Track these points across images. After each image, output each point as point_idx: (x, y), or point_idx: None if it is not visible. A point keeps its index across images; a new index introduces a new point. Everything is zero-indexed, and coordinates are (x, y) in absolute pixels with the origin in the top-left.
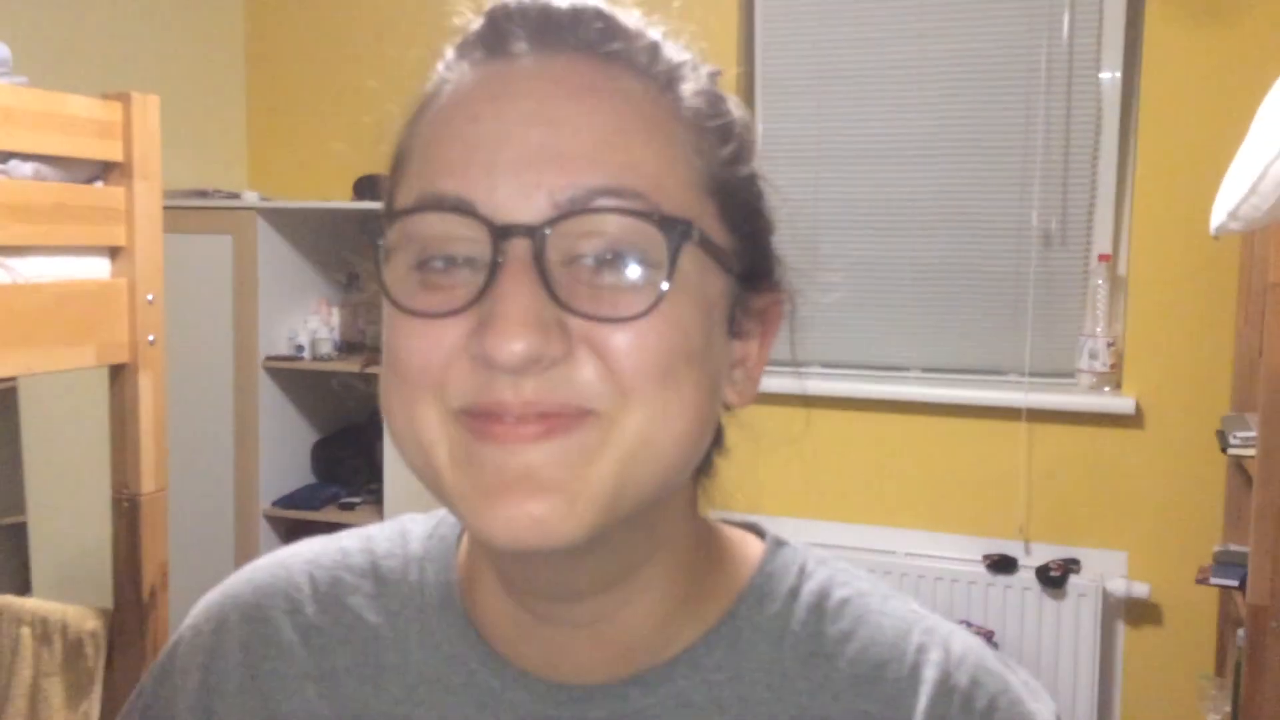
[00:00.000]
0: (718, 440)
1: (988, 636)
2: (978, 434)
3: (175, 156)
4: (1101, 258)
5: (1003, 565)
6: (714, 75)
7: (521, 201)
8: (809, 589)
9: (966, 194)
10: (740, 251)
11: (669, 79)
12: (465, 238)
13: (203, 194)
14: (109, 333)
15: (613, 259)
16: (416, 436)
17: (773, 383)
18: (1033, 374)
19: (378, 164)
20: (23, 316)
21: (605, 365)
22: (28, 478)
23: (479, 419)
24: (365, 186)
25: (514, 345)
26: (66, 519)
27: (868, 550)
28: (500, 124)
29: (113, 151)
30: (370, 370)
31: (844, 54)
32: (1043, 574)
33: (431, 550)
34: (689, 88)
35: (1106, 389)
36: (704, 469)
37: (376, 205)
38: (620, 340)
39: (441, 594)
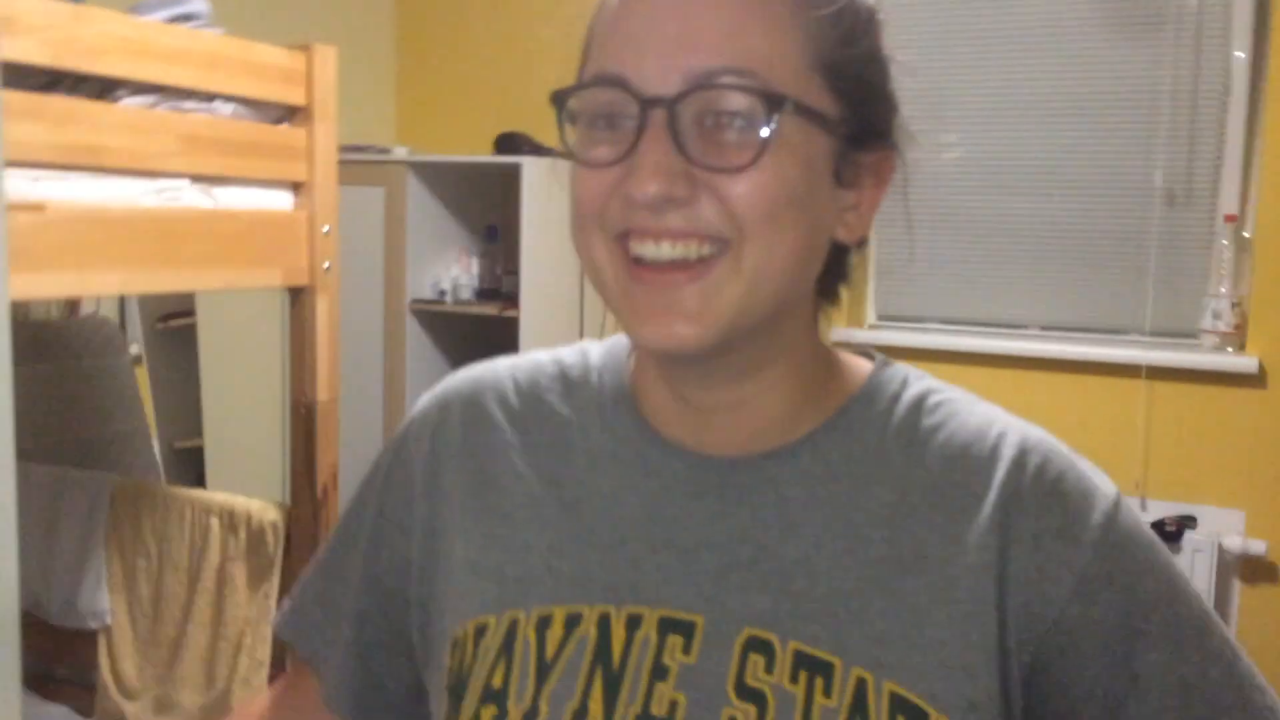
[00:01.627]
0: (842, 272)
1: None
2: (1096, 391)
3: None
4: (1227, 218)
5: None
6: None
7: (661, 78)
8: (909, 394)
9: (1089, 152)
10: (847, 116)
11: None
12: (621, 106)
13: (358, 149)
14: (291, 258)
15: (728, 122)
16: (591, 258)
17: (892, 336)
18: (1154, 333)
19: (517, 122)
20: (222, 239)
21: (722, 206)
22: (205, 405)
23: (637, 265)
24: (505, 142)
25: (649, 188)
26: (235, 443)
27: None
28: (648, 20)
29: (297, 96)
30: (506, 314)
31: (966, 12)
32: (1158, 529)
33: (607, 362)
34: None
35: (1229, 349)
36: (828, 295)
37: (517, 159)
38: (731, 186)
39: (615, 393)
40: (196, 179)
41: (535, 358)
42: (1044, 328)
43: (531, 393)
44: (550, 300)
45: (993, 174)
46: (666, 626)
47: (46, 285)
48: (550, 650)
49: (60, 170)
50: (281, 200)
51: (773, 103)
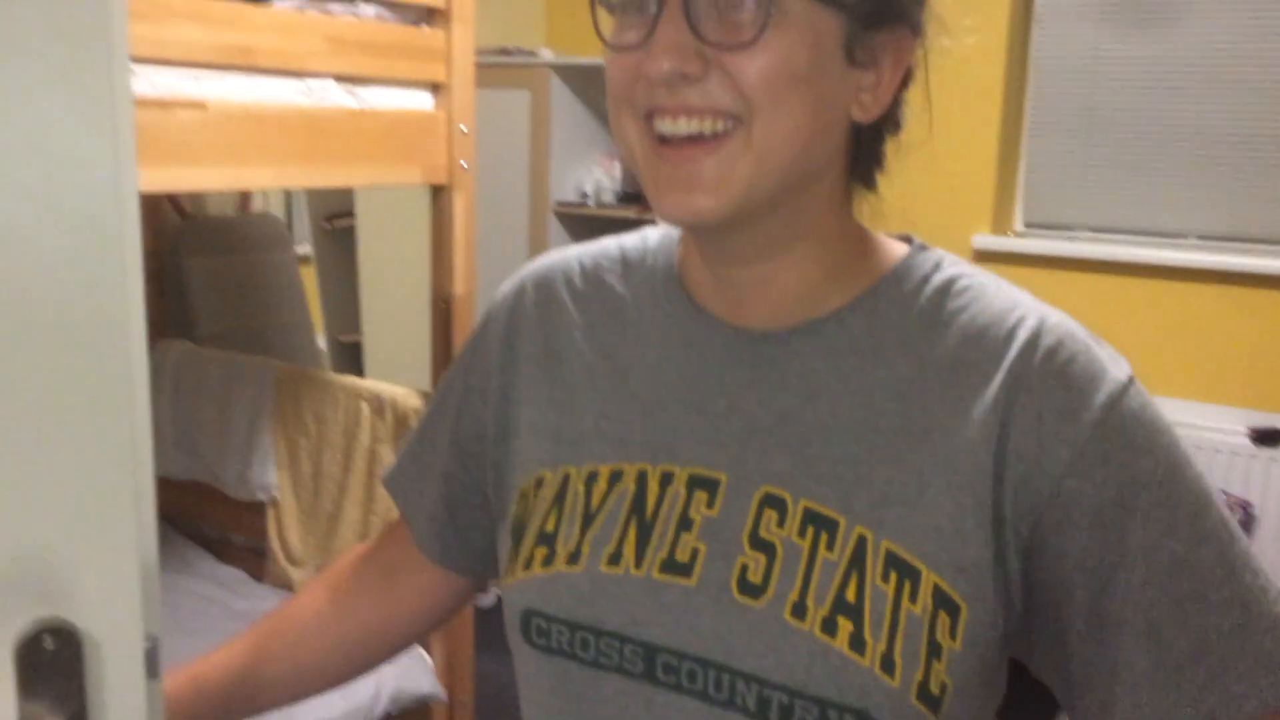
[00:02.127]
0: (875, 157)
1: (1244, 507)
2: (1255, 303)
3: (482, 15)
4: None
5: (1268, 438)
6: None
7: None
8: (939, 278)
9: (1253, 55)
10: None
11: None
12: None
13: (505, 52)
14: (430, 157)
15: (737, 2)
16: (624, 138)
17: (1040, 245)
18: None
19: None
20: (367, 137)
21: (731, 82)
22: (363, 302)
23: (662, 144)
24: None
25: (662, 65)
26: (390, 336)
27: None
28: None
29: None
30: (645, 218)
31: None
32: None
33: (661, 244)
34: None
35: None
36: (863, 180)
37: None
38: (739, 62)
39: (665, 272)
40: (341, 79)
41: (603, 243)
42: (1202, 237)
43: (595, 275)
44: None
45: (1150, 72)
46: (694, 483)
47: (208, 179)
48: (595, 501)
49: (218, 70)
50: (421, 100)
51: None
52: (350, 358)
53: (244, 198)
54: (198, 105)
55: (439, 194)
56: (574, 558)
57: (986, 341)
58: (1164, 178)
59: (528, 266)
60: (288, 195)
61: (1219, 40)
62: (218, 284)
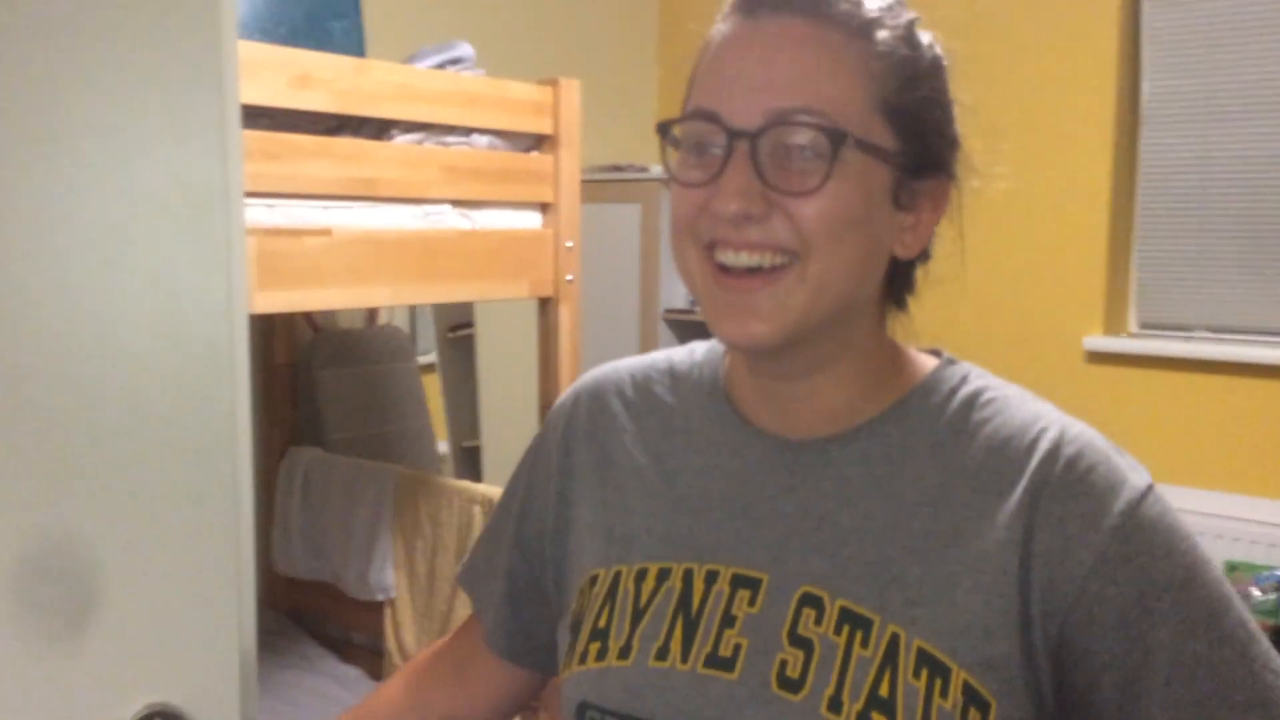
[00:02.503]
0: (907, 284)
1: None
2: None
3: (596, 134)
4: None
5: None
6: (911, 21)
7: (746, 115)
8: (966, 390)
9: None
10: (905, 150)
11: (862, 28)
12: (712, 137)
13: (617, 169)
14: (538, 271)
15: (798, 153)
16: (685, 264)
17: (1156, 345)
18: None
19: None
20: (478, 255)
21: (791, 223)
22: (482, 408)
23: (723, 273)
24: None
25: (730, 206)
26: (507, 441)
27: (1257, 522)
28: (739, 66)
29: (544, 126)
30: None
31: (1237, 5)
32: None
33: (707, 358)
34: (881, 34)
35: None
36: (898, 303)
37: None
38: (799, 207)
39: (711, 384)
40: (456, 203)
41: (653, 357)
42: None
43: (644, 385)
44: None
45: (1264, 171)
46: (738, 582)
47: (332, 298)
48: (644, 599)
49: (343, 200)
50: (530, 219)
51: (835, 138)
52: (471, 462)
53: (371, 312)
54: (324, 232)
55: (546, 306)
56: (624, 652)
57: (1010, 450)
58: None
59: (582, 378)
60: (411, 308)
61: None
62: (346, 393)
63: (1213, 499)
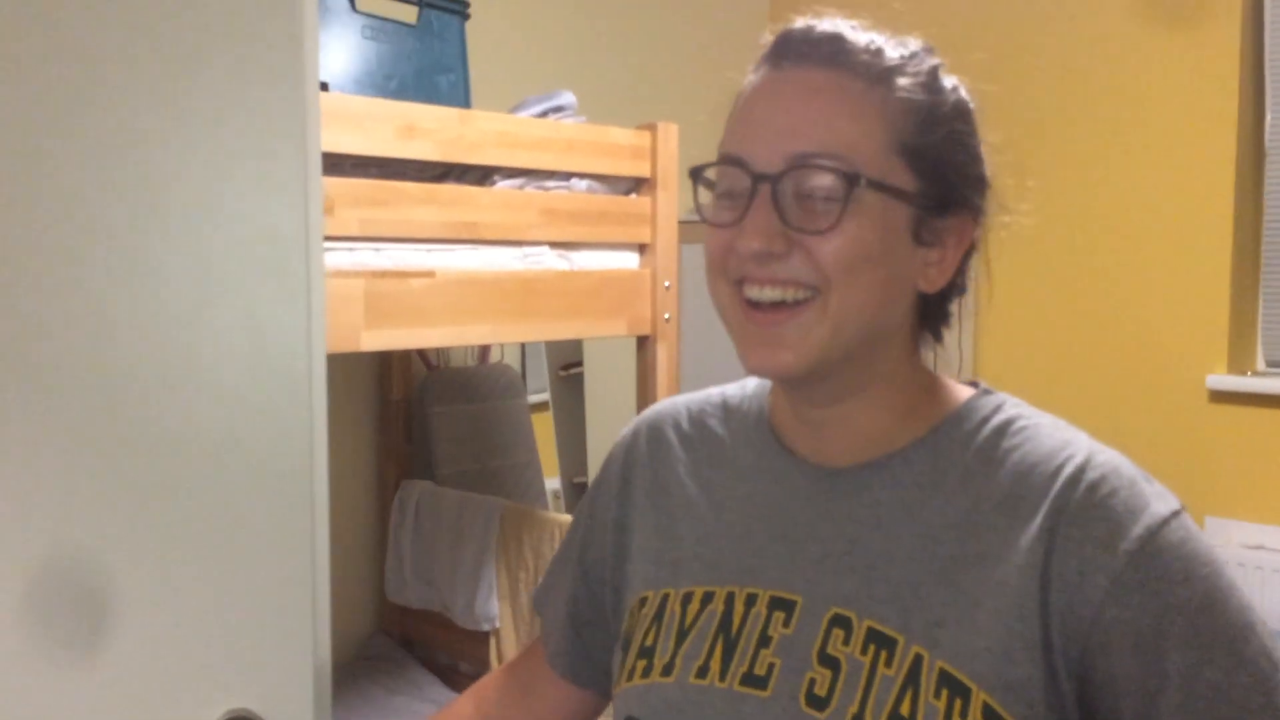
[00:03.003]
0: (942, 317)
1: None
2: None
3: None
4: None
5: None
6: (933, 68)
7: (770, 158)
8: (998, 419)
9: None
10: (925, 189)
11: (881, 75)
12: (739, 180)
13: None
14: (636, 310)
15: (816, 195)
16: (717, 299)
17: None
18: None
19: None
20: (577, 295)
21: (810, 260)
22: (589, 444)
23: (751, 308)
24: None
25: (753, 244)
26: None
27: None
28: (764, 113)
29: (642, 169)
30: None
31: None
32: None
33: (756, 392)
34: (900, 80)
35: None
36: (933, 334)
37: None
38: (818, 245)
39: (758, 416)
40: (555, 245)
41: (708, 391)
42: None
43: (699, 418)
44: None
45: None
46: (774, 604)
47: (434, 337)
48: (689, 620)
49: (447, 244)
50: (628, 260)
51: (850, 180)
52: (581, 497)
53: (483, 351)
54: (428, 274)
55: (644, 344)
56: (668, 669)
57: (1036, 476)
58: None
59: (644, 413)
60: (522, 347)
61: None
62: (458, 429)
63: None
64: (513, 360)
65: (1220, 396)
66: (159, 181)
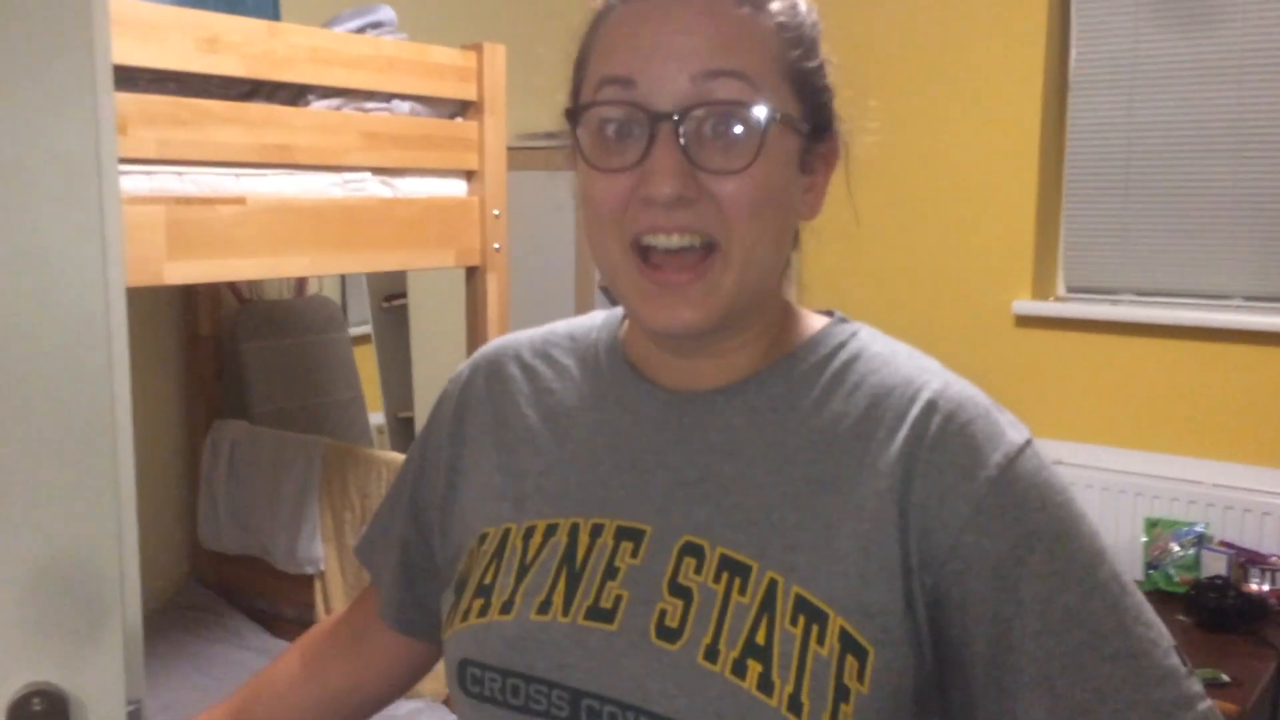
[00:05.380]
0: (795, 243)
1: None
2: None
3: (531, 102)
4: None
5: None
6: None
7: (669, 85)
8: (855, 345)
9: None
10: (807, 116)
11: (760, 2)
12: (631, 118)
13: (551, 135)
14: (464, 240)
15: (725, 131)
16: (608, 255)
17: (1083, 309)
18: None
19: None
20: (401, 224)
21: (716, 206)
22: (415, 379)
23: (651, 266)
24: None
25: (665, 189)
26: None
27: (1177, 480)
28: (654, 36)
29: (468, 92)
30: None
31: None
32: None
33: (606, 321)
34: (775, 6)
35: None
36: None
37: None
38: (724, 186)
39: (609, 344)
40: (378, 171)
41: (552, 325)
42: (1248, 298)
43: (543, 350)
44: None
45: (1192, 139)
46: (621, 534)
47: (247, 269)
48: (530, 554)
49: (258, 168)
50: (455, 188)
51: (768, 117)
52: (406, 433)
53: (300, 282)
54: (237, 201)
55: (473, 275)
56: (507, 607)
57: (892, 400)
58: (1208, 239)
59: (481, 349)
60: (343, 279)
61: (1261, 99)
62: (273, 365)
63: (1136, 458)
64: (333, 292)
65: (1026, 321)
66: None
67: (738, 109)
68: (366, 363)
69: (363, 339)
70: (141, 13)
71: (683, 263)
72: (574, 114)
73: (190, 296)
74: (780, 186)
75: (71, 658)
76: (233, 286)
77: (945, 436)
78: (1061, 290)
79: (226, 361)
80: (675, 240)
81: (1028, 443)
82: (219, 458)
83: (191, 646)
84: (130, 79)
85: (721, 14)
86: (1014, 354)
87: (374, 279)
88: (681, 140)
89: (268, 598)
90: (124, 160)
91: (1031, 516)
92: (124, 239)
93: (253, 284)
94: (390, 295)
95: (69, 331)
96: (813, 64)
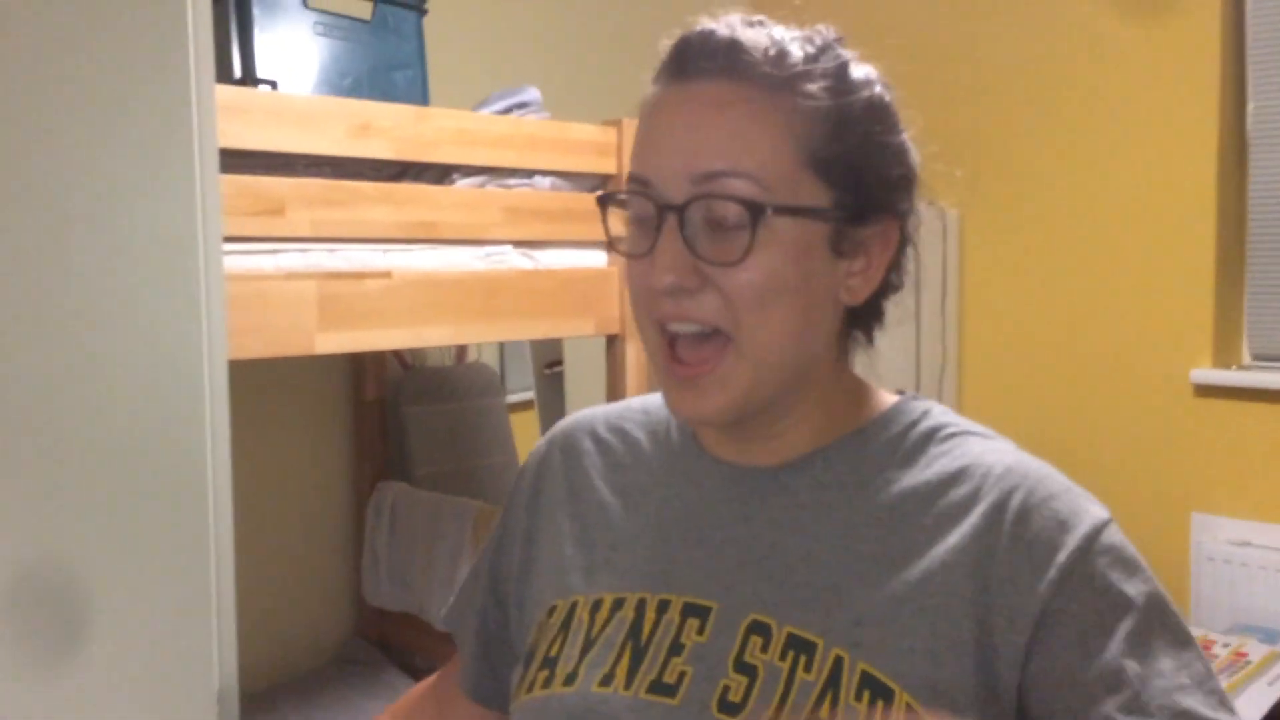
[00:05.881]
0: (877, 317)
1: None
2: None
3: None
4: None
5: None
6: (841, 66)
7: (675, 183)
8: (926, 425)
9: None
10: (842, 201)
11: (785, 83)
12: (646, 209)
13: None
14: (604, 309)
15: (725, 222)
16: (646, 341)
17: (1273, 378)
18: None
19: None
20: (541, 294)
21: (722, 296)
22: None
23: (675, 355)
24: None
25: (664, 280)
26: None
27: None
28: (667, 132)
29: (608, 166)
30: None
31: None
32: None
33: None
34: (807, 87)
35: None
36: (866, 337)
37: None
38: (729, 278)
39: (679, 421)
40: (519, 244)
41: (628, 401)
42: None
43: (618, 424)
44: None
45: None
46: (688, 611)
47: (392, 339)
48: (596, 628)
49: (404, 243)
50: (595, 258)
51: (754, 210)
52: None
53: (460, 350)
54: (384, 275)
55: (613, 343)
56: (570, 679)
57: (966, 476)
58: None
59: (558, 424)
60: (501, 346)
61: None
62: (433, 429)
63: None
64: (491, 359)
65: (1205, 390)
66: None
67: (730, 204)
68: (530, 427)
69: (525, 405)
70: (298, 105)
71: (701, 352)
72: (603, 203)
73: (358, 363)
74: (794, 278)
75: (173, 705)
76: (397, 353)
77: (1028, 511)
78: (1246, 358)
79: (390, 425)
80: (691, 326)
81: (1110, 520)
82: (381, 517)
83: (348, 698)
84: (288, 164)
85: (734, 105)
86: (1193, 426)
87: (536, 346)
88: (684, 231)
89: (424, 654)
90: (280, 239)
91: (1119, 587)
92: (279, 312)
93: (415, 351)
94: (551, 362)
95: (171, 401)
96: (848, 145)
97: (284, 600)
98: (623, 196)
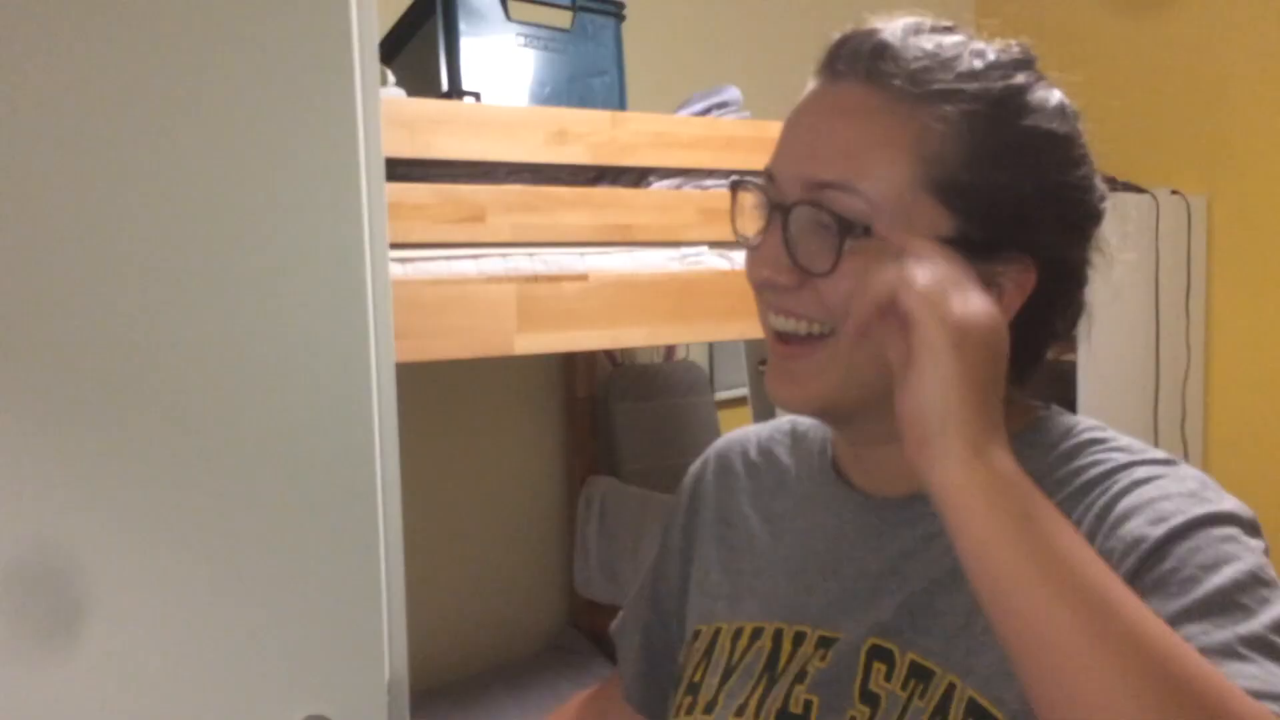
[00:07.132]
0: (1034, 359)
1: None
2: None
3: None
4: None
5: None
6: (1016, 88)
7: (790, 184)
8: (1069, 443)
9: None
10: (967, 231)
11: (926, 98)
12: (765, 202)
13: None
14: None
15: (824, 231)
16: (763, 329)
17: None
18: None
19: None
20: (737, 295)
21: (819, 297)
22: None
23: (777, 336)
24: None
25: (760, 273)
26: None
27: None
28: (794, 133)
29: None
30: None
31: None
32: None
33: (823, 424)
34: (947, 106)
35: None
36: (1017, 377)
37: None
38: (824, 283)
39: (821, 445)
40: (715, 245)
41: (780, 419)
42: None
43: (767, 447)
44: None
45: None
46: (822, 644)
47: (588, 340)
48: (735, 657)
49: (601, 246)
50: None
51: (844, 226)
52: None
53: (669, 348)
54: (581, 277)
55: None
56: (709, 707)
57: (1097, 482)
58: None
59: (716, 442)
60: (711, 344)
61: None
62: (641, 425)
63: None
64: (701, 357)
65: None
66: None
67: (827, 215)
68: (742, 424)
69: (738, 401)
70: (499, 114)
71: (801, 346)
72: (735, 188)
73: (570, 361)
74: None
75: (345, 695)
76: (607, 351)
77: (1130, 510)
78: None
79: (600, 421)
80: (783, 323)
81: (1233, 515)
82: (591, 511)
83: (561, 689)
84: (488, 172)
85: (861, 114)
86: None
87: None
88: (786, 232)
89: None
90: (482, 245)
91: (1202, 572)
92: (477, 314)
93: (625, 349)
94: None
95: (339, 402)
96: (986, 174)
97: (501, 588)
98: (750, 184)
